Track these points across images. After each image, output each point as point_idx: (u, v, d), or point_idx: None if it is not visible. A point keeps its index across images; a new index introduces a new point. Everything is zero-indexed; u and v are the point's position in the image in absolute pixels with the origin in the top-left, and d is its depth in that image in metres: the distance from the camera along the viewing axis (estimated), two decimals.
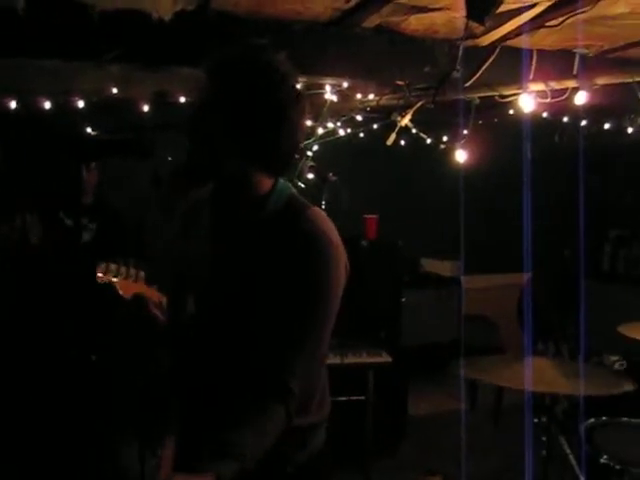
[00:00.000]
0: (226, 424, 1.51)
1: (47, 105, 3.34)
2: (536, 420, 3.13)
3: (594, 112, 4.10)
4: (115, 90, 3.23)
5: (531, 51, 3.19)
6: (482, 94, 3.40)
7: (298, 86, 1.64)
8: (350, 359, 4.13)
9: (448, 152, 4.20)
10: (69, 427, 2.90)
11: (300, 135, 1.66)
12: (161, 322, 1.93)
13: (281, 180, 1.70)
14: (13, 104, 3.27)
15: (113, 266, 2.10)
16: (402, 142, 4.57)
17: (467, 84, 3.17)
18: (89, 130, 3.60)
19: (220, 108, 1.56)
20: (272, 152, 1.61)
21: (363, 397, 4.25)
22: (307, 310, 1.59)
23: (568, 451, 2.93)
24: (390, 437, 4.70)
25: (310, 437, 1.74)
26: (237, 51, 1.62)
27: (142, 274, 2.12)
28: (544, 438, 3.03)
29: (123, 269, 2.11)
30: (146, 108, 3.42)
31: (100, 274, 2.07)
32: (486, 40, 3.09)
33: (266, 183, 1.65)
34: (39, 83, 3.14)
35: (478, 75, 3.16)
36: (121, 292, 2.07)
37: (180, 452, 1.75)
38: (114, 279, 2.09)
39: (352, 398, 4.16)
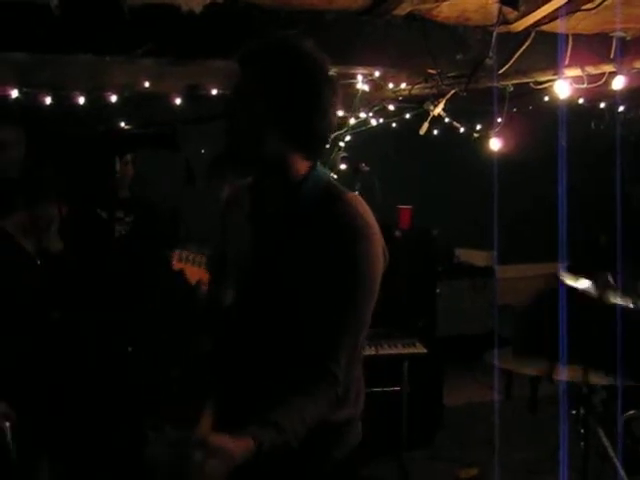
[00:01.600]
0: (269, 405, 1.52)
1: (81, 100, 3.38)
2: (574, 412, 3.09)
3: (632, 97, 4.00)
4: (147, 84, 3.25)
5: (566, 36, 3.13)
6: (516, 81, 3.34)
7: (330, 71, 1.66)
8: (385, 350, 4.12)
9: (482, 141, 4.14)
10: (109, 415, 2.95)
11: (333, 118, 1.69)
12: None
13: (319, 166, 1.72)
14: (48, 100, 3.32)
15: (184, 253, 2.13)
16: (435, 131, 4.53)
17: (501, 71, 3.12)
18: (122, 124, 3.64)
19: (256, 95, 1.59)
20: (307, 135, 1.64)
21: (398, 388, 4.24)
22: (348, 294, 1.59)
23: (607, 443, 2.88)
24: (425, 428, 4.68)
25: (347, 430, 1.74)
26: (269, 40, 1.65)
27: (204, 259, 2.15)
28: (582, 430, 2.99)
29: (191, 256, 2.15)
30: (178, 101, 3.44)
31: (175, 262, 2.11)
32: (520, 26, 3.04)
33: (303, 166, 1.68)
34: (73, 79, 3.19)
35: (512, 62, 3.11)
36: (190, 278, 2.11)
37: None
38: (185, 266, 2.13)
39: (387, 389, 4.15)
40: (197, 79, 3.43)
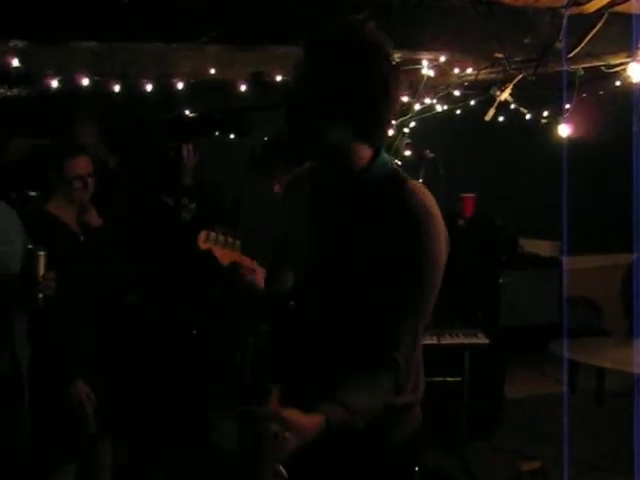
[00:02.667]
0: (336, 387, 1.53)
1: (148, 87, 3.45)
2: None
3: None
4: (213, 71, 3.29)
5: None
6: (587, 65, 3.23)
7: (393, 56, 1.64)
8: (446, 340, 4.08)
9: (549, 127, 4.03)
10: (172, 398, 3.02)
11: (396, 104, 1.68)
12: (257, 287, 2.00)
13: (383, 153, 1.71)
14: (117, 87, 3.39)
15: (212, 234, 2.15)
16: (500, 118, 4.44)
17: (571, 55, 3.02)
18: (187, 112, 3.69)
19: (318, 82, 1.59)
20: (370, 122, 1.63)
21: (459, 378, 4.20)
22: (410, 281, 1.58)
23: None
24: (487, 419, 4.62)
25: (405, 417, 1.73)
26: (333, 26, 1.64)
27: (238, 243, 2.16)
28: None
29: (221, 237, 2.16)
30: (243, 88, 3.46)
31: (201, 242, 2.13)
32: (592, 7, 2.93)
33: (366, 154, 1.67)
34: (141, 66, 3.25)
35: (583, 45, 3.01)
36: (220, 259, 2.12)
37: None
38: (214, 247, 2.14)
39: (448, 379, 4.11)
40: (262, 66, 3.45)
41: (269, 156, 3.16)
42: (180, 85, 3.43)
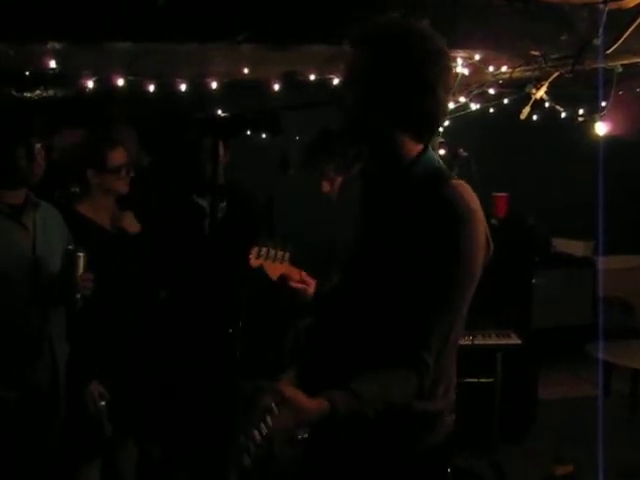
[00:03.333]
0: (354, 375, 1.54)
1: (183, 88, 3.47)
2: None
3: None
4: (246, 71, 3.30)
5: None
6: (626, 61, 3.18)
7: (445, 53, 1.64)
8: (479, 340, 4.05)
9: (585, 126, 3.98)
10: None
11: (445, 100, 1.68)
12: (304, 295, 2.01)
13: (430, 150, 1.71)
14: (152, 87, 3.42)
15: (264, 249, 2.17)
16: (535, 117, 4.39)
17: (609, 51, 2.97)
18: (219, 111, 3.70)
19: (367, 77, 1.61)
20: (419, 117, 1.64)
21: (491, 379, 4.16)
22: (445, 279, 1.57)
23: None
24: (519, 421, 4.57)
25: (436, 422, 1.71)
26: (386, 21, 1.66)
27: (287, 255, 2.18)
28: None
29: (272, 252, 2.18)
30: (276, 87, 3.47)
31: (253, 259, 2.15)
32: (631, 2, 2.88)
33: (413, 149, 1.68)
34: (176, 67, 3.27)
35: (621, 41, 2.96)
36: (270, 274, 2.15)
37: None
38: (265, 262, 2.16)
39: (480, 380, 4.07)
40: (295, 65, 3.45)
41: (318, 155, 3.16)
42: (214, 85, 3.45)
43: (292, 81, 3.46)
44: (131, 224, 3.11)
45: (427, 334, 1.56)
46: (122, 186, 3.00)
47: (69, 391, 2.66)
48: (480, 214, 1.62)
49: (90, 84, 3.30)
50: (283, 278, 2.06)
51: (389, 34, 1.61)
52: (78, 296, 2.53)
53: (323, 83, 3.54)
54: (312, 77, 3.48)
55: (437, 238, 1.56)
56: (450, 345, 1.65)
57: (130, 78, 3.29)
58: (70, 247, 2.56)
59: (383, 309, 1.63)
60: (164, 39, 2.92)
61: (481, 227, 1.61)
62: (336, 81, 3.44)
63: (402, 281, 1.60)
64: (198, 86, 3.50)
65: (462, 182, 1.67)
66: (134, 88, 3.39)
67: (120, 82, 3.28)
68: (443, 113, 1.70)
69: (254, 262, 2.16)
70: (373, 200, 1.76)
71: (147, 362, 3.01)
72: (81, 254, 2.53)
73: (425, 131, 1.69)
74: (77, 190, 3.02)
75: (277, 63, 3.38)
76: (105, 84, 3.33)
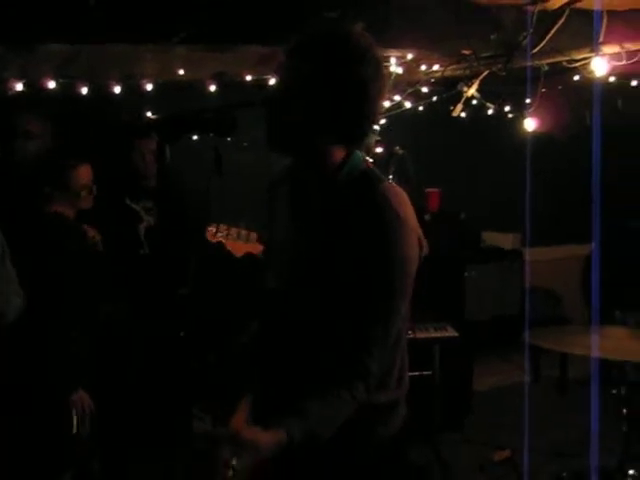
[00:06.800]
0: (303, 394, 1.54)
1: (117, 90, 3.39)
2: (614, 391, 3.07)
3: None
4: (181, 72, 3.26)
5: (602, 12, 3.10)
6: (551, 60, 3.31)
7: (379, 58, 1.63)
8: (417, 334, 4.12)
9: (511, 122, 4.12)
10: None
11: (378, 107, 1.66)
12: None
13: (357, 152, 1.70)
14: (84, 90, 3.33)
15: (223, 227, 2.14)
16: (463, 114, 4.51)
17: (535, 50, 3.09)
18: (149, 113, 3.64)
19: (300, 86, 1.58)
20: (351, 126, 1.63)
21: (430, 372, 4.25)
22: (380, 286, 1.57)
23: None
24: (457, 411, 4.69)
25: (391, 412, 1.74)
26: (319, 28, 1.63)
27: (254, 235, 2.15)
28: (625, 410, 2.98)
29: (233, 230, 2.15)
30: (212, 88, 3.44)
31: (210, 236, 2.12)
32: (555, 4, 3.01)
33: (339, 154, 1.66)
34: (109, 68, 3.20)
35: (547, 40, 3.09)
36: (232, 252, 2.12)
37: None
38: (226, 240, 2.13)
39: (419, 373, 4.15)
40: (229, 66, 3.43)
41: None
42: (149, 86, 3.39)
43: (228, 81, 3.43)
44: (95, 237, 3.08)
45: (367, 341, 1.57)
46: (87, 204, 2.98)
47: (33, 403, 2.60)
48: (410, 217, 1.62)
49: (19, 87, 3.18)
50: (249, 257, 2.04)
51: (323, 43, 1.58)
52: None
53: (259, 84, 3.53)
54: (248, 78, 3.46)
55: (368, 246, 1.56)
56: (397, 339, 1.66)
57: (61, 80, 3.19)
58: None
59: (323, 317, 1.64)
60: (96, 40, 2.84)
61: (412, 230, 1.61)
62: (272, 81, 3.44)
63: (338, 290, 1.60)
64: (132, 88, 3.43)
65: (390, 185, 1.66)
66: (66, 90, 3.29)
67: (51, 85, 3.18)
68: (376, 119, 1.68)
69: (212, 238, 2.14)
70: (300, 202, 1.74)
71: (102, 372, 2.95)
72: None
73: (356, 139, 1.68)
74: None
75: (212, 64, 3.35)
76: (35, 86, 3.21)
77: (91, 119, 3.79)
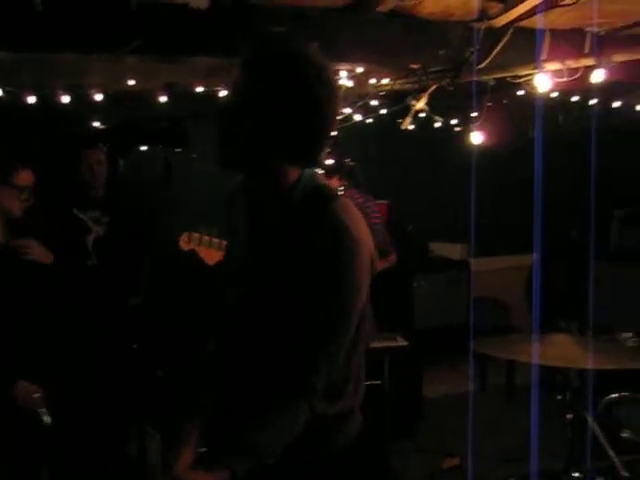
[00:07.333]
0: (246, 422, 1.54)
1: (65, 99, 3.34)
2: (559, 397, 3.15)
3: (604, 90, 4.12)
4: (132, 82, 3.23)
5: (544, 31, 3.21)
6: (497, 75, 3.41)
7: (333, 77, 1.62)
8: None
9: (458, 136, 4.21)
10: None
11: (332, 126, 1.64)
12: None
13: (307, 170, 1.69)
14: (32, 99, 3.26)
15: (195, 235, 2.11)
16: (411, 127, 4.58)
17: (481, 66, 3.18)
18: (97, 123, 3.60)
19: (254, 102, 1.56)
20: (304, 145, 1.61)
21: (379, 381, 4.28)
22: (326, 305, 1.57)
23: (594, 427, 2.95)
24: (408, 420, 4.73)
25: (347, 421, 1.74)
26: (270, 44, 1.61)
27: (225, 243, 2.12)
28: (569, 415, 3.05)
29: (205, 238, 2.13)
30: (163, 99, 3.41)
31: (184, 243, 2.09)
32: (501, 21, 3.10)
33: (293, 174, 1.65)
34: (56, 77, 3.14)
35: (492, 56, 3.18)
36: (205, 260, 2.10)
37: (202, 442, 1.76)
38: (199, 248, 2.11)
39: (369, 383, 4.16)
40: (179, 77, 3.41)
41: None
42: (98, 96, 3.35)
43: (178, 92, 3.41)
44: (45, 257, 3.02)
45: (314, 359, 1.56)
46: (17, 208, 2.90)
47: None
48: (363, 233, 1.60)
49: None
50: (220, 265, 2.02)
51: (278, 60, 1.56)
52: None
53: (209, 95, 3.52)
54: (198, 89, 3.45)
55: (320, 267, 1.56)
56: (353, 349, 1.67)
57: (7, 89, 3.12)
58: None
59: (275, 334, 1.63)
60: (43, 49, 2.80)
61: (363, 251, 1.59)
62: (222, 93, 3.43)
63: (290, 307, 1.59)
64: (81, 98, 3.38)
65: (344, 203, 1.64)
66: (13, 99, 3.22)
67: None
68: (328, 138, 1.65)
69: (185, 246, 2.12)
70: (255, 218, 1.72)
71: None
72: None
73: (310, 158, 1.65)
74: None
75: (162, 74, 3.33)
76: None
77: (37, 129, 3.72)
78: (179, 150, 2.03)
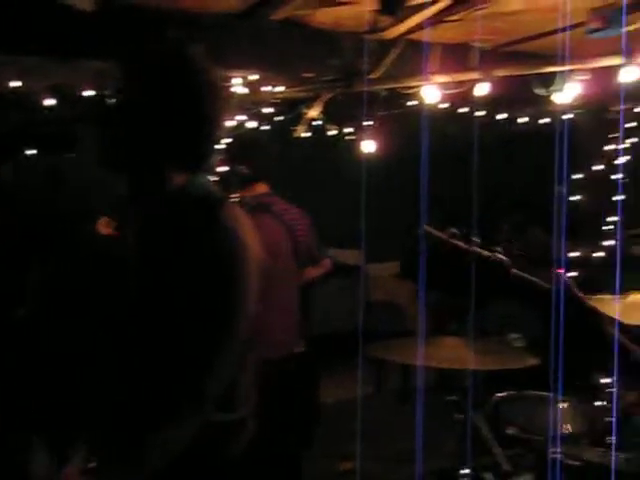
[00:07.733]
0: (135, 434, 1.52)
1: None
2: (454, 398, 3.25)
3: (489, 103, 4.30)
4: (15, 83, 3.08)
5: (432, 44, 3.32)
6: (387, 86, 3.50)
7: (218, 81, 1.64)
8: None
9: (351, 144, 4.28)
10: None
11: (217, 131, 1.64)
12: None
13: (198, 175, 1.66)
14: None
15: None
16: (305, 134, 4.62)
17: (371, 76, 3.25)
18: None
19: (138, 105, 1.56)
20: (188, 149, 1.60)
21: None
22: (215, 312, 1.56)
23: (482, 426, 3.06)
24: (305, 426, 4.75)
25: (239, 430, 1.73)
26: (156, 48, 1.61)
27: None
28: (461, 415, 3.16)
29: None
30: (51, 102, 3.27)
31: (102, 227, 1.99)
32: (391, 34, 3.18)
33: (179, 179, 1.63)
34: None
35: (382, 68, 3.26)
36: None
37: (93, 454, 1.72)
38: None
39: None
40: (65, 79, 3.29)
41: None
42: None
43: (64, 95, 3.29)
44: None
45: (204, 371, 1.56)
46: None
47: None
48: (250, 239, 1.61)
49: None
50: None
51: (159, 63, 1.56)
52: None
53: (96, 98, 3.41)
54: (84, 92, 3.34)
55: (207, 272, 1.54)
56: (239, 362, 1.65)
57: None
58: None
59: (168, 345, 1.59)
60: None
61: (251, 258, 1.60)
62: (109, 97, 3.33)
63: (178, 317, 1.56)
64: None
65: (232, 208, 1.63)
66: None
67: None
68: (214, 143, 1.66)
69: (105, 231, 2.02)
70: (144, 228, 1.68)
71: None
72: None
73: (197, 163, 1.64)
74: None
75: (48, 76, 3.20)
76: None
77: None
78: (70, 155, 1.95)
